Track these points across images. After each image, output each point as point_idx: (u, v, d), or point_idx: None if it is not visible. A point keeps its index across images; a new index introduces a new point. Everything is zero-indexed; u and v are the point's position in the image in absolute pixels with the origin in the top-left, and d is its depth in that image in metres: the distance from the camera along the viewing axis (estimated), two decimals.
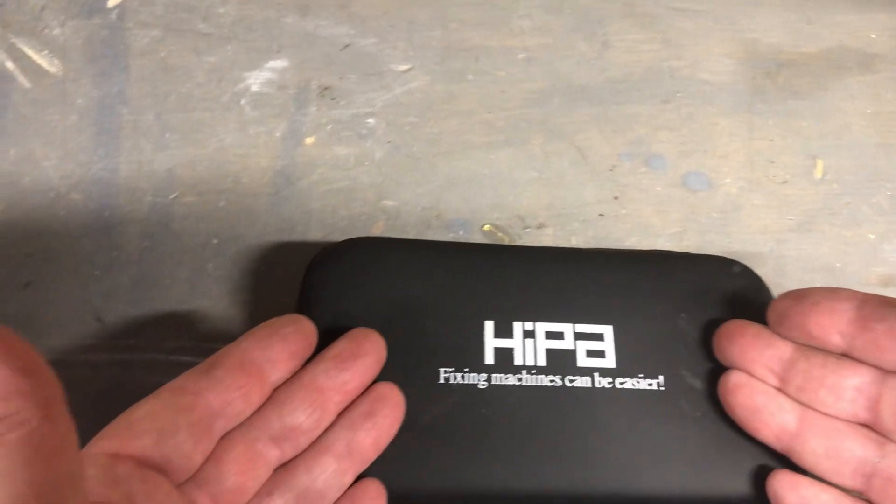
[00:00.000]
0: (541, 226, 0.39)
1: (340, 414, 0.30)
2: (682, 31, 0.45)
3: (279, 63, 0.42)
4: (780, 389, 0.31)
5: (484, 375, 0.31)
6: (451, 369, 0.31)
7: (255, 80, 0.41)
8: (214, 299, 0.37)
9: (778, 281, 0.39)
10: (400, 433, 0.30)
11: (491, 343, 0.32)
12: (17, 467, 0.19)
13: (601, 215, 0.40)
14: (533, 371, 0.31)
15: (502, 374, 0.31)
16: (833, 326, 0.29)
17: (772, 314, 0.31)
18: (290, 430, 0.28)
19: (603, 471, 0.30)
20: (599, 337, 0.32)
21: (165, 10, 0.42)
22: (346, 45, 0.43)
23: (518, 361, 0.32)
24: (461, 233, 0.39)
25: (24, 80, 0.40)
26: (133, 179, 0.39)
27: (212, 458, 0.27)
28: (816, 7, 0.46)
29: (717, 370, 0.32)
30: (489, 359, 0.32)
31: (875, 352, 0.28)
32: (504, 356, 0.32)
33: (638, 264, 0.35)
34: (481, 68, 0.43)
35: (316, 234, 0.39)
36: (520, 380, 0.31)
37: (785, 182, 0.41)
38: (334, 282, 0.33)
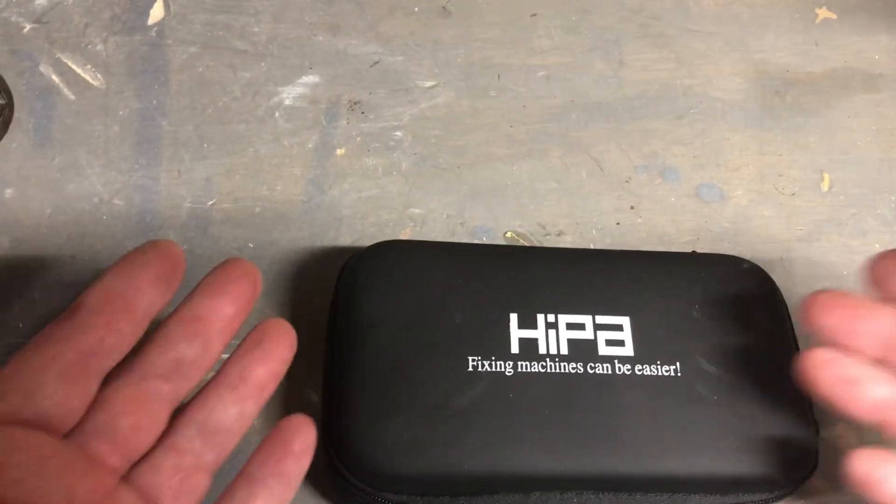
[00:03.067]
0: (560, 233, 0.41)
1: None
2: (695, 51, 0.47)
3: (311, 79, 0.44)
4: (877, 361, 0.31)
5: (510, 363, 0.33)
6: (478, 358, 0.33)
7: (289, 95, 0.44)
8: None
9: (787, 287, 0.40)
10: (431, 417, 0.32)
11: (516, 333, 0.34)
12: None
13: (618, 224, 0.42)
14: (556, 359, 0.33)
15: (527, 362, 0.33)
16: None
17: (872, 275, 0.30)
18: (176, 363, 0.28)
19: (623, 453, 0.32)
20: (618, 327, 0.34)
21: (203, 28, 0.45)
22: (375, 63, 0.45)
23: (542, 350, 0.33)
24: (484, 239, 0.41)
25: (68, 93, 0.42)
26: (173, 187, 0.41)
27: (99, 404, 0.26)
28: (823, 29, 0.48)
29: (730, 357, 0.34)
30: (515, 348, 0.33)
31: None
32: (529, 345, 0.34)
33: (653, 261, 0.37)
34: (503, 85, 0.45)
35: (346, 239, 0.40)
36: (544, 367, 0.33)
37: (793, 194, 0.44)
38: (366, 283, 0.35)
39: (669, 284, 0.36)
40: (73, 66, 0.43)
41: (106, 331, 0.26)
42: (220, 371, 0.29)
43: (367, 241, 0.38)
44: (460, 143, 0.43)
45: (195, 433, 0.28)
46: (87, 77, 0.43)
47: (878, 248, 0.42)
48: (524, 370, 0.33)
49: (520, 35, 0.46)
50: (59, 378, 0.25)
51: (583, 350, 0.34)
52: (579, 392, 0.33)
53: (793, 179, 0.44)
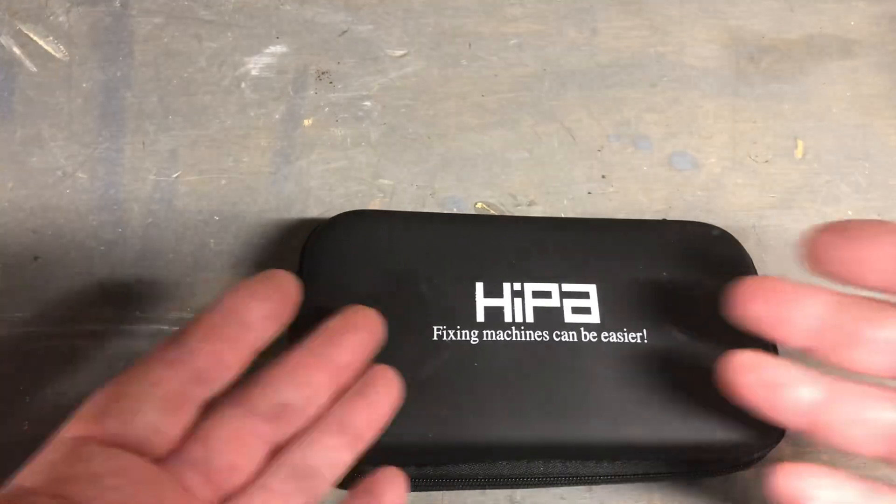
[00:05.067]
0: (531, 203, 0.41)
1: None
2: (669, 17, 0.46)
3: (278, 48, 0.43)
4: (808, 350, 0.28)
5: (475, 332, 0.33)
6: (443, 327, 0.33)
7: (255, 65, 0.43)
8: (216, 273, 0.38)
9: (760, 255, 0.40)
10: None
11: (482, 302, 0.33)
12: None
13: (590, 193, 0.41)
14: (522, 327, 0.33)
15: (493, 331, 0.33)
16: (879, 265, 0.26)
17: (810, 251, 0.28)
18: (280, 408, 0.27)
19: (590, 420, 0.32)
20: (585, 295, 0.34)
21: None
22: (344, 32, 0.44)
23: (508, 319, 0.33)
24: (454, 209, 0.40)
25: (30, 65, 0.42)
26: (137, 159, 0.40)
27: (200, 436, 0.26)
28: None
29: (698, 323, 0.34)
30: (480, 317, 0.33)
31: None
32: (494, 314, 0.33)
33: (621, 228, 0.37)
34: (475, 53, 0.44)
35: (314, 211, 0.40)
36: (509, 336, 0.33)
37: (767, 161, 0.43)
38: (331, 254, 0.35)
39: (637, 251, 0.35)
40: (35, 38, 0.42)
41: (210, 361, 0.26)
42: (322, 417, 0.28)
43: (336, 213, 0.38)
44: (430, 113, 0.43)
45: (289, 475, 0.27)
46: (50, 49, 0.42)
47: (851, 214, 0.42)
48: (489, 339, 0.33)
49: (491, 2, 0.46)
50: (159, 404, 0.25)
51: (549, 318, 0.33)
52: (545, 360, 0.32)
53: (766, 146, 0.43)
